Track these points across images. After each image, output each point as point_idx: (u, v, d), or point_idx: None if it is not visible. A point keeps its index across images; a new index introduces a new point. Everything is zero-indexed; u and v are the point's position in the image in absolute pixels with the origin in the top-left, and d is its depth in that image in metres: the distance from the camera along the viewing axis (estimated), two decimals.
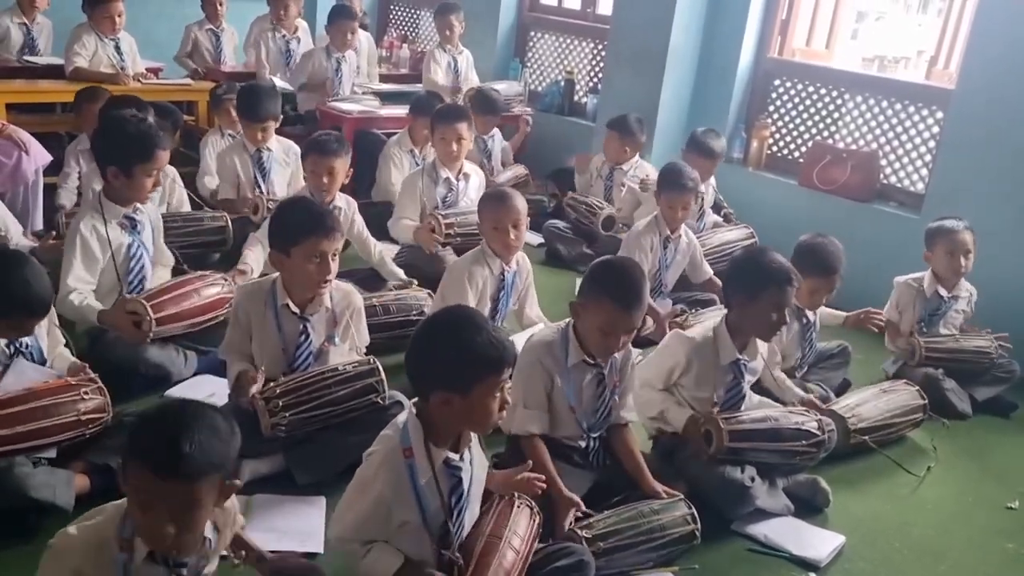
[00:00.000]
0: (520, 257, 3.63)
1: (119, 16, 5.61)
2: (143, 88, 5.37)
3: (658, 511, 2.61)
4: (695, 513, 2.66)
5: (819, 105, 5.50)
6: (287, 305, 2.86)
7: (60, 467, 2.54)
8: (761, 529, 2.85)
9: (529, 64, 7.11)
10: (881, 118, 5.21)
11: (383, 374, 2.88)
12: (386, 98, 5.86)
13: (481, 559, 2.14)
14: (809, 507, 3.01)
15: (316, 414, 2.79)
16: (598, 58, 6.65)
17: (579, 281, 2.83)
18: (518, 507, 2.31)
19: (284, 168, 4.73)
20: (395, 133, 5.38)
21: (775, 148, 5.71)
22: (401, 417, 2.16)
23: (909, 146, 5.11)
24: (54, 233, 3.97)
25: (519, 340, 3.35)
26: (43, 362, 2.73)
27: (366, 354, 3.07)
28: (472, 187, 4.71)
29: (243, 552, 2.10)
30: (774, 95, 5.70)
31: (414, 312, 3.77)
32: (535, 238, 5.33)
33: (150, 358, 3.20)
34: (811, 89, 5.53)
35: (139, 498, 1.68)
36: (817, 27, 5.87)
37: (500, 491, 2.38)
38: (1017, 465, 3.58)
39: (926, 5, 9.77)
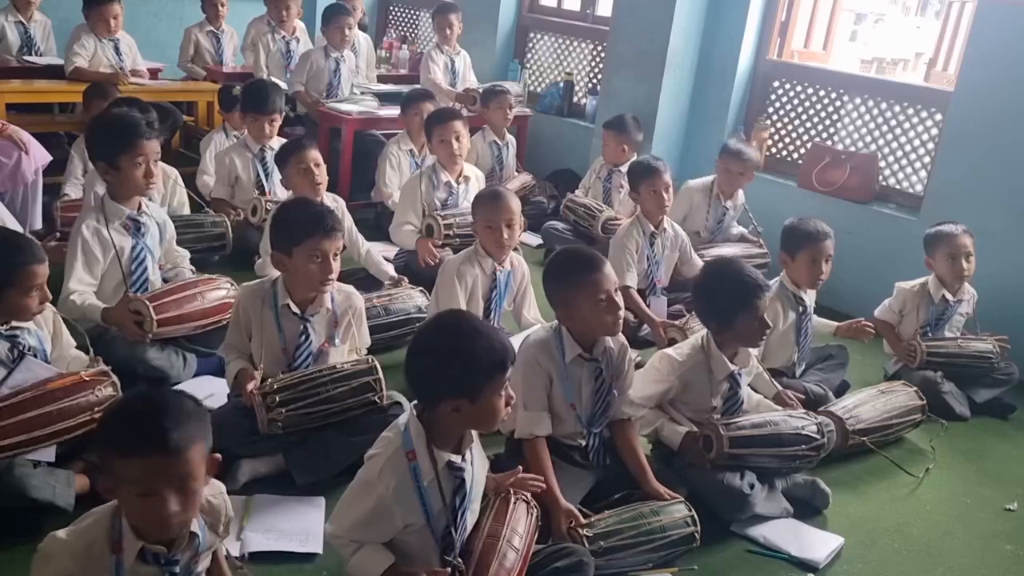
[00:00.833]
0: (515, 259, 3.64)
1: (114, 18, 5.63)
2: (143, 89, 5.37)
3: (658, 512, 2.61)
4: (695, 515, 2.66)
5: (818, 107, 5.51)
6: (288, 305, 2.87)
7: (59, 467, 2.53)
8: (760, 530, 2.86)
9: (528, 65, 7.11)
10: (880, 120, 5.22)
11: (381, 373, 2.88)
12: (385, 99, 5.86)
13: (481, 560, 2.14)
14: (808, 508, 3.02)
15: (313, 411, 2.79)
16: (597, 60, 6.66)
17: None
18: (515, 503, 2.31)
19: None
20: (394, 134, 5.39)
21: (774, 150, 5.72)
22: (402, 419, 2.17)
23: (908, 148, 5.12)
24: (57, 235, 3.98)
25: (517, 342, 3.37)
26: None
27: (366, 354, 3.07)
28: (472, 190, 4.71)
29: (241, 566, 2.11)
30: (773, 97, 5.71)
31: (412, 311, 3.78)
32: (534, 239, 5.34)
33: (149, 360, 3.20)
34: (810, 91, 5.53)
35: (135, 490, 1.69)
36: (815, 29, 5.88)
37: (495, 492, 2.38)
38: (1016, 467, 3.59)
39: (925, 7, 9.79)
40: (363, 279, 4.10)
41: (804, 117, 5.58)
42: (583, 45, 6.78)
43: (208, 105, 5.92)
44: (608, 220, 5.04)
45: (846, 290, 4.06)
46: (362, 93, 6.08)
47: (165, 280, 3.52)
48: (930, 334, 4.04)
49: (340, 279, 2.99)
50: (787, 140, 5.68)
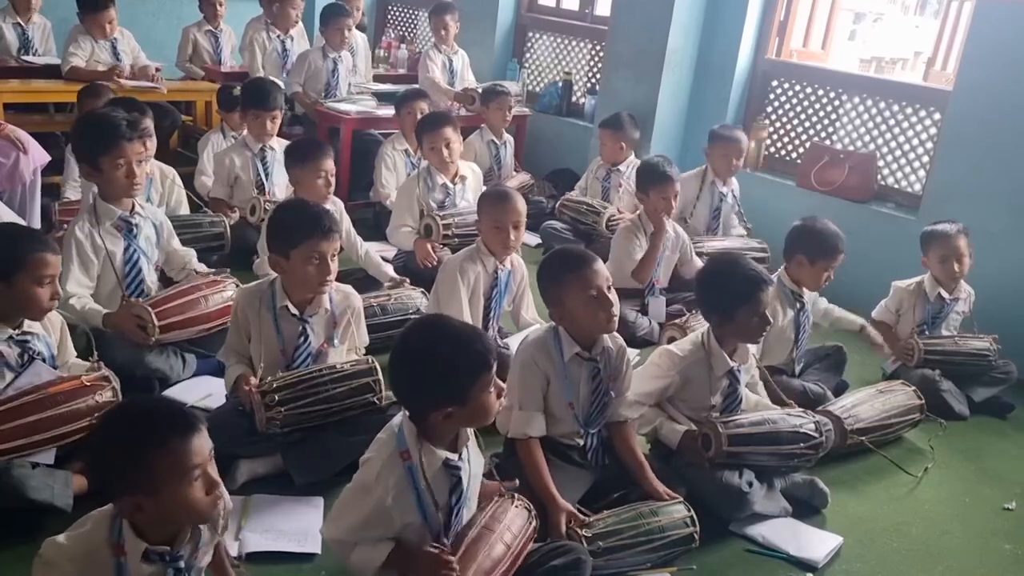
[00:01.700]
0: (515, 259, 3.63)
1: (109, 23, 5.64)
2: (137, 90, 5.35)
3: (657, 513, 2.61)
4: (694, 516, 2.66)
5: (817, 106, 5.51)
6: (286, 307, 2.87)
7: (58, 468, 2.53)
8: (759, 530, 2.86)
9: (527, 65, 7.11)
10: (879, 119, 5.22)
11: (380, 374, 2.88)
12: (383, 98, 5.86)
13: (471, 546, 2.15)
14: (807, 508, 3.02)
15: (312, 410, 2.79)
16: (596, 59, 6.66)
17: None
18: (516, 507, 2.31)
19: (285, 169, 4.73)
20: (391, 133, 5.38)
21: (773, 149, 5.72)
22: (395, 420, 2.17)
23: (907, 147, 5.12)
24: (60, 236, 3.97)
25: (514, 342, 3.37)
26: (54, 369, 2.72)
27: (364, 354, 3.07)
28: (469, 188, 4.71)
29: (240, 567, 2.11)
30: (772, 96, 5.71)
31: (411, 311, 3.78)
32: (533, 239, 5.33)
33: (149, 363, 3.19)
34: (809, 90, 5.54)
35: (176, 480, 1.71)
36: (814, 28, 5.88)
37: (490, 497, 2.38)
38: (1014, 466, 3.59)
39: (924, 6, 9.78)
40: (362, 279, 4.10)
41: (803, 116, 5.58)
42: (582, 44, 6.78)
43: (206, 105, 5.91)
44: (612, 217, 5.03)
45: (844, 289, 4.06)
46: (359, 93, 6.09)
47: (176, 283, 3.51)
48: (927, 332, 4.04)
49: (339, 280, 2.99)
50: (786, 139, 5.68)
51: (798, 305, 3.66)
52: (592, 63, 6.72)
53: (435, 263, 4.25)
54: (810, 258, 3.61)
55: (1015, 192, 4.41)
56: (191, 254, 3.70)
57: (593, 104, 6.32)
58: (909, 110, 5.09)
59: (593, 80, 6.67)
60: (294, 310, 2.88)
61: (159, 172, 4.29)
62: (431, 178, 4.62)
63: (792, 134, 5.65)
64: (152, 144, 3.96)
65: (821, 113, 5.49)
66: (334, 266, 2.86)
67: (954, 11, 6.99)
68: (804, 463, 3.05)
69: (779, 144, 5.71)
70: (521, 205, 3.49)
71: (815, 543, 2.84)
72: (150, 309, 3.16)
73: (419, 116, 4.89)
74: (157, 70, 5.77)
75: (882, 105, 5.20)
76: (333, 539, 2.18)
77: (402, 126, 5.20)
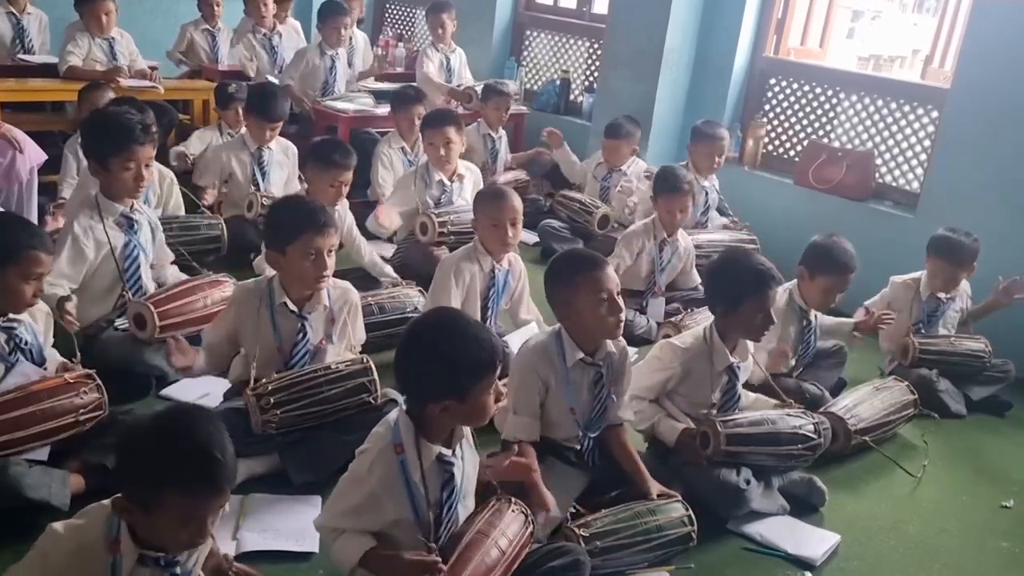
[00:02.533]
0: (513, 257, 3.63)
1: (106, 15, 5.58)
2: (137, 90, 5.33)
3: (655, 512, 2.61)
4: (692, 515, 2.66)
5: (815, 104, 5.51)
6: (285, 304, 2.86)
7: (55, 466, 2.52)
8: (757, 528, 2.86)
9: (525, 63, 7.11)
10: (876, 117, 5.22)
11: (375, 374, 2.88)
12: (381, 97, 5.85)
13: (465, 551, 2.13)
14: (805, 506, 3.02)
15: (307, 412, 2.78)
16: (594, 57, 6.65)
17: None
18: (513, 512, 2.30)
19: (282, 168, 4.74)
20: (390, 131, 5.37)
21: (771, 147, 5.72)
22: (392, 415, 2.17)
23: (904, 145, 5.12)
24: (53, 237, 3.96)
25: (514, 340, 3.37)
26: (42, 361, 2.72)
27: (361, 352, 3.07)
28: (467, 187, 4.70)
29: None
30: (770, 94, 5.71)
31: (409, 310, 3.77)
32: (531, 237, 5.33)
33: (146, 359, 3.18)
34: (807, 88, 5.54)
35: (177, 520, 1.72)
36: (812, 26, 5.88)
37: (496, 478, 2.37)
38: (1012, 464, 3.60)
39: (922, 4, 9.79)
40: (360, 278, 4.09)
41: (801, 114, 5.58)
42: (579, 43, 6.77)
43: (204, 103, 5.89)
44: (604, 216, 5.04)
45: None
46: (358, 91, 6.08)
47: (160, 284, 3.51)
48: (923, 331, 4.04)
49: (337, 278, 2.99)
50: (784, 137, 5.68)
51: (804, 322, 3.64)
52: (590, 61, 6.71)
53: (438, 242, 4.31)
54: (810, 271, 3.57)
55: (1013, 190, 4.41)
56: (169, 256, 3.68)
57: (591, 102, 6.32)
58: (907, 108, 5.09)
59: (591, 78, 6.67)
60: (293, 307, 2.87)
61: (157, 173, 4.27)
62: (428, 175, 4.62)
63: (790, 132, 5.65)
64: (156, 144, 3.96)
65: (819, 111, 5.49)
66: (331, 262, 2.85)
67: (952, 9, 7.00)
68: (802, 463, 3.05)
69: (777, 142, 5.71)
70: (518, 202, 3.49)
71: (813, 541, 2.84)
72: (151, 307, 3.16)
73: (416, 121, 4.88)
74: (153, 69, 5.75)
75: (880, 103, 5.20)
76: (321, 526, 2.17)
77: (399, 126, 5.19)
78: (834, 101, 5.43)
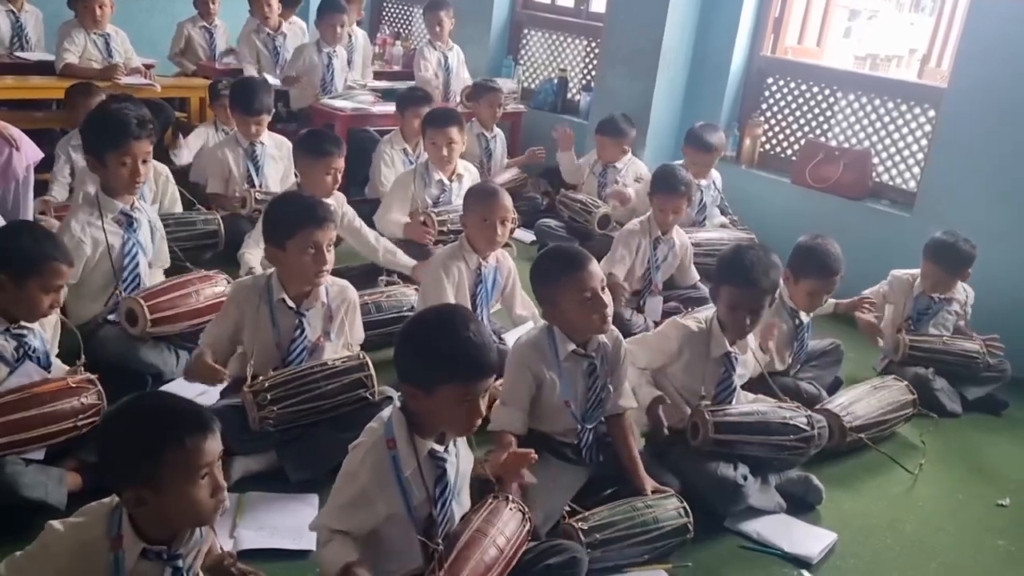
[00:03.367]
0: (500, 255, 3.63)
1: (100, 8, 5.56)
2: (132, 87, 5.32)
3: (651, 504, 2.62)
4: (687, 507, 2.66)
5: (812, 103, 5.52)
6: (283, 300, 2.86)
7: (52, 465, 2.52)
8: (753, 526, 2.86)
9: (522, 62, 7.11)
10: (873, 116, 5.23)
11: (372, 369, 2.88)
12: (379, 95, 5.85)
13: (463, 551, 2.13)
14: (801, 504, 3.02)
15: (305, 408, 2.79)
16: (591, 56, 6.65)
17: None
18: (511, 509, 2.30)
19: (277, 163, 4.73)
20: (389, 130, 5.37)
21: (768, 146, 5.73)
22: (386, 411, 2.17)
23: (901, 144, 5.13)
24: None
25: (510, 338, 3.37)
26: (48, 366, 2.72)
27: (359, 349, 3.07)
28: (465, 187, 4.68)
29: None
30: (767, 93, 5.71)
31: (405, 309, 3.77)
32: (528, 236, 5.33)
33: (142, 357, 3.18)
34: (804, 87, 5.54)
35: (184, 478, 1.72)
36: (809, 25, 5.89)
37: (495, 473, 2.37)
38: (1008, 463, 3.60)
39: (918, 4, 9.80)
40: (357, 276, 4.08)
41: (798, 113, 5.59)
42: (577, 41, 6.77)
43: (200, 101, 5.88)
44: (604, 216, 5.04)
45: (838, 287, 4.07)
46: (359, 89, 6.08)
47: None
48: (912, 328, 4.04)
49: (334, 276, 2.99)
50: (781, 136, 5.69)
51: (796, 321, 3.63)
52: (587, 60, 6.72)
53: (434, 236, 4.29)
54: (795, 274, 3.54)
55: (1009, 189, 4.42)
56: (167, 260, 3.68)
57: (588, 101, 6.32)
58: (904, 107, 5.10)
59: (588, 77, 6.67)
60: (291, 303, 2.87)
61: (153, 170, 4.27)
62: (428, 174, 4.62)
63: (787, 131, 5.66)
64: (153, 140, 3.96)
65: (816, 110, 5.50)
66: (330, 256, 2.85)
67: (949, 8, 7.01)
68: (796, 456, 3.05)
69: (774, 141, 5.72)
70: (508, 201, 3.50)
71: (809, 540, 2.84)
72: (142, 302, 3.16)
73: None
74: (148, 67, 5.74)
75: (877, 102, 5.21)
76: (316, 527, 2.15)
77: (405, 127, 5.17)
78: (831, 100, 5.44)
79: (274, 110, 4.82)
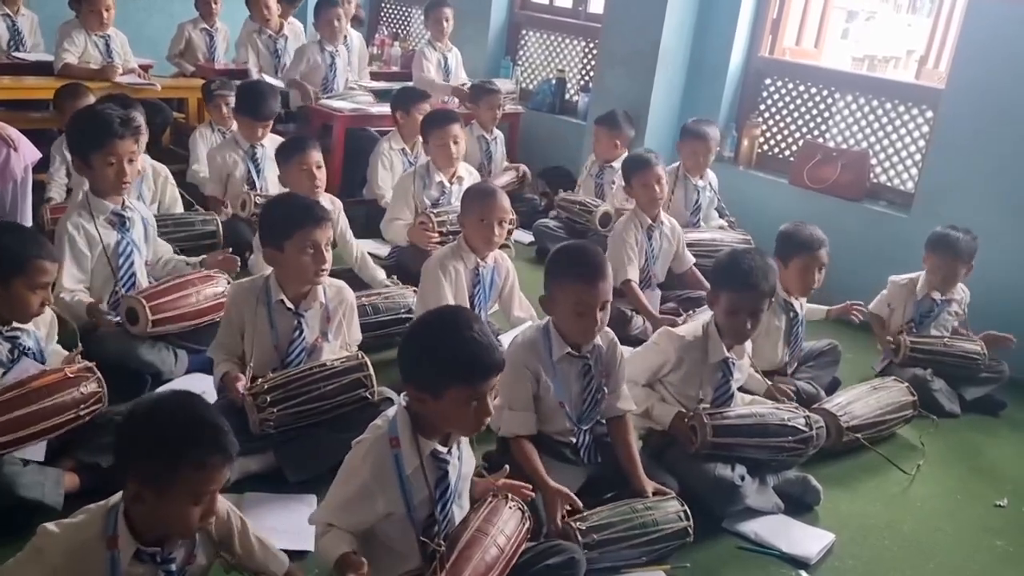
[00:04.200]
0: (498, 255, 3.63)
1: (106, 11, 5.56)
2: (129, 87, 5.32)
3: (651, 507, 2.62)
4: (687, 510, 2.66)
5: (810, 104, 5.52)
6: (281, 301, 2.86)
7: (49, 465, 2.52)
8: (751, 527, 2.86)
9: (520, 62, 7.11)
10: (871, 117, 5.23)
11: (371, 369, 2.88)
12: (379, 96, 5.85)
13: (464, 551, 2.13)
14: (799, 505, 3.02)
15: (305, 409, 2.79)
16: (589, 57, 6.65)
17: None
18: (510, 508, 2.30)
19: (276, 165, 4.71)
20: (387, 131, 5.37)
21: (766, 147, 5.73)
22: (391, 410, 2.17)
23: (899, 145, 5.13)
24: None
25: (506, 340, 3.36)
26: (42, 363, 2.71)
27: (357, 350, 3.07)
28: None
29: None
30: (765, 94, 5.71)
31: (403, 310, 3.77)
32: (526, 237, 5.33)
33: (141, 356, 3.18)
34: (802, 88, 5.55)
35: (189, 494, 1.73)
36: (807, 26, 5.90)
37: (488, 488, 2.36)
38: (1006, 463, 3.61)
39: (916, 5, 9.81)
40: (352, 278, 4.08)
41: (796, 114, 5.59)
42: (575, 42, 6.77)
43: (198, 102, 5.89)
44: (605, 213, 5.03)
45: (837, 288, 4.07)
46: (358, 89, 6.08)
47: (155, 278, 3.50)
48: (915, 331, 4.04)
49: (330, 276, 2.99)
50: (779, 137, 5.69)
51: (791, 314, 3.65)
52: (585, 61, 6.71)
53: (436, 239, 4.28)
54: (783, 258, 3.58)
55: (1007, 190, 4.42)
56: (167, 248, 3.69)
57: (586, 102, 6.32)
58: (902, 108, 5.10)
59: (586, 78, 6.67)
60: (289, 304, 2.87)
61: (151, 170, 4.27)
62: (428, 176, 4.61)
63: (785, 132, 5.66)
64: (144, 139, 3.94)
65: (814, 111, 5.50)
66: (329, 255, 2.86)
67: (946, 9, 7.02)
68: (795, 457, 3.05)
69: (772, 142, 5.72)
70: (506, 202, 3.50)
71: (808, 540, 2.84)
72: (143, 301, 3.16)
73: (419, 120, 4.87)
74: (145, 68, 5.74)
75: (875, 103, 5.21)
76: (315, 521, 2.15)
77: (402, 127, 5.17)
78: (829, 101, 5.44)
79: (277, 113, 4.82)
